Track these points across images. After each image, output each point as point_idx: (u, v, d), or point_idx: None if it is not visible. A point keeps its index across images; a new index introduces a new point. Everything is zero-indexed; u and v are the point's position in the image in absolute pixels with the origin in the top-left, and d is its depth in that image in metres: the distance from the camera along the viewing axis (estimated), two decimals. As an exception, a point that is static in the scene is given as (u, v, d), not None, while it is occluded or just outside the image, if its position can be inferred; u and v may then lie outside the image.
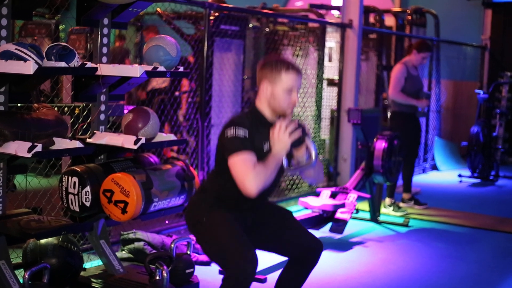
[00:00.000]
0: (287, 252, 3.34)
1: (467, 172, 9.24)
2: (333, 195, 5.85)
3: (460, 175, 9.18)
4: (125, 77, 3.69)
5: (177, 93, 7.07)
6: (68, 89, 5.23)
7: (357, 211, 5.89)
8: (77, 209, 3.61)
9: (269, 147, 3.11)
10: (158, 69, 3.68)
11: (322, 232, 5.70)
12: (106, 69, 3.62)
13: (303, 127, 3.21)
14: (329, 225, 5.69)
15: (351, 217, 5.81)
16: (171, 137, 3.92)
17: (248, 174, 2.97)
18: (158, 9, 7.19)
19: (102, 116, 3.91)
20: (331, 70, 8.42)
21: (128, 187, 3.52)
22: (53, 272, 3.49)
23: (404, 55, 7.85)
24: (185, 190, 3.82)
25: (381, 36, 9.11)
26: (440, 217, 6.69)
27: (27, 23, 6.66)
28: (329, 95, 8.44)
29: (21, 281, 3.42)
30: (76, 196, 3.59)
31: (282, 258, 3.36)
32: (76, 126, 4.51)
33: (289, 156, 3.26)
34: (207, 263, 4.73)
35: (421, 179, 9.01)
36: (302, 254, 3.29)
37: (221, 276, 3.10)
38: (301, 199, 5.64)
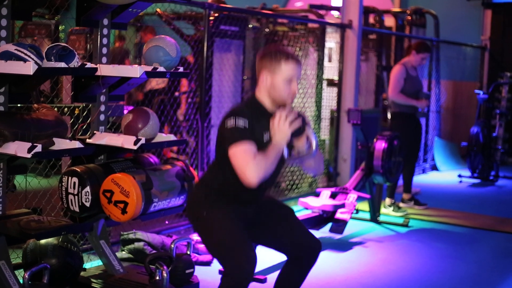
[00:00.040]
0: (285, 249, 3.33)
1: (467, 173, 9.25)
2: (333, 196, 5.85)
3: (460, 176, 9.18)
4: (125, 77, 3.70)
5: (176, 94, 7.07)
6: (68, 90, 5.23)
7: (357, 211, 5.89)
8: (77, 209, 3.62)
9: (269, 137, 3.10)
10: (158, 70, 3.68)
11: (322, 232, 5.70)
12: (106, 70, 3.62)
13: (303, 116, 3.21)
14: (329, 225, 5.69)
15: (351, 217, 5.81)
16: (171, 137, 3.92)
17: (248, 164, 2.96)
18: (158, 10, 7.19)
19: (102, 117, 3.91)
20: (331, 71, 8.42)
21: (128, 187, 3.53)
22: (53, 272, 3.49)
23: (404, 55, 7.86)
24: (185, 191, 3.83)
25: (380, 36, 9.12)
26: (440, 217, 6.69)
27: (27, 23, 6.66)
28: (329, 95, 8.44)
29: (21, 281, 3.42)
30: (76, 197, 3.60)
31: (282, 258, 3.35)
32: (76, 126, 4.52)
33: (290, 146, 3.25)
34: (207, 263, 4.74)
35: (421, 179, 9.01)
36: (301, 253, 3.28)
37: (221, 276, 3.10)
38: (301, 199, 5.64)
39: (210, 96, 6.13)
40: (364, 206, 6.56)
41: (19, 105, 3.86)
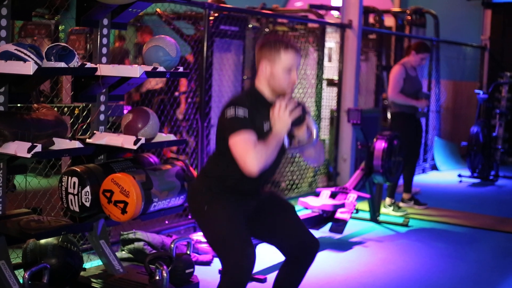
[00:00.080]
0: (282, 246, 3.31)
1: (467, 172, 9.25)
2: (333, 195, 5.85)
3: (460, 175, 9.18)
4: (124, 77, 3.70)
5: (176, 93, 7.08)
6: (67, 90, 5.23)
7: (357, 211, 5.89)
8: (77, 209, 3.62)
9: (270, 127, 3.09)
10: (157, 70, 3.68)
11: (322, 232, 5.70)
12: (105, 70, 3.62)
13: (303, 105, 3.20)
14: (329, 225, 5.69)
15: (351, 217, 5.81)
16: (171, 137, 3.92)
17: (249, 152, 2.95)
18: (158, 10, 7.19)
19: (102, 117, 3.91)
20: (330, 71, 8.43)
21: (128, 187, 3.53)
22: (53, 272, 3.49)
23: (404, 55, 7.86)
24: (185, 190, 3.83)
25: (380, 36, 9.12)
26: (440, 217, 6.69)
27: (26, 23, 6.66)
28: (329, 95, 8.44)
29: (21, 281, 3.42)
30: (76, 196, 3.60)
31: (281, 258, 3.35)
32: (76, 126, 4.52)
33: (290, 135, 3.25)
34: (207, 263, 4.74)
35: (421, 179, 9.01)
36: (298, 251, 3.27)
37: (221, 276, 3.10)
38: (301, 199, 5.64)
39: (210, 96, 6.13)
40: (364, 206, 6.56)
41: (19, 105, 3.86)
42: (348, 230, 5.83)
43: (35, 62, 3.14)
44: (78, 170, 3.62)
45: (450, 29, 11.24)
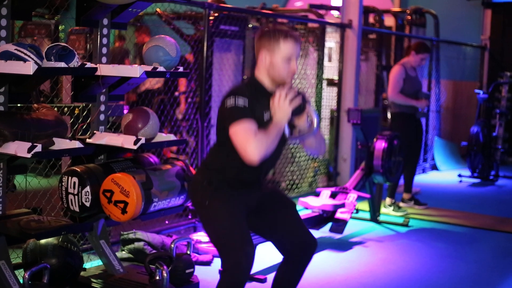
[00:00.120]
0: (280, 242, 3.31)
1: (467, 172, 9.25)
2: (333, 195, 5.85)
3: (460, 175, 9.18)
4: (124, 77, 3.69)
5: (176, 93, 7.08)
6: (67, 90, 5.23)
7: (357, 211, 5.89)
8: (77, 209, 3.62)
9: (270, 117, 3.08)
10: (157, 69, 3.68)
11: (322, 232, 5.70)
12: (105, 70, 3.62)
13: (303, 95, 3.19)
14: (329, 225, 5.69)
15: (351, 217, 5.81)
16: (171, 137, 3.92)
17: (249, 141, 2.94)
18: (158, 10, 7.19)
19: (102, 116, 3.91)
20: (330, 70, 8.43)
21: (128, 187, 3.53)
22: (53, 272, 3.49)
23: (404, 55, 7.86)
24: (185, 190, 3.82)
25: (380, 36, 9.11)
26: (440, 217, 6.69)
27: (26, 23, 6.66)
28: (329, 95, 8.44)
29: (21, 281, 3.42)
30: (76, 196, 3.60)
31: (281, 258, 3.35)
32: (76, 126, 4.52)
33: (291, 125, 3.24)
34: (207, 263, 4.74)
35: (421, 179, 9.01)
36: (297, 250, 3.26)
37: (222, 276, 3.11)
38: (301, 199, 5.64)
39: (210, 96, 6.13)
40: (364, 205, 6.56)
41: (19, 105, 3.86)
42: (348, 230, 5.83)
43: (35, 62, 3.14)
44: (78, 170, 3.62)
45: (450, 29, 11.24)
